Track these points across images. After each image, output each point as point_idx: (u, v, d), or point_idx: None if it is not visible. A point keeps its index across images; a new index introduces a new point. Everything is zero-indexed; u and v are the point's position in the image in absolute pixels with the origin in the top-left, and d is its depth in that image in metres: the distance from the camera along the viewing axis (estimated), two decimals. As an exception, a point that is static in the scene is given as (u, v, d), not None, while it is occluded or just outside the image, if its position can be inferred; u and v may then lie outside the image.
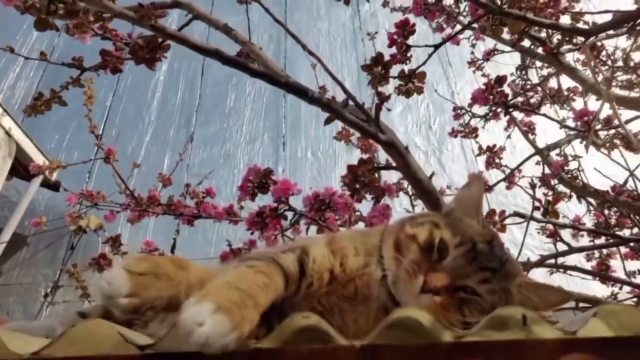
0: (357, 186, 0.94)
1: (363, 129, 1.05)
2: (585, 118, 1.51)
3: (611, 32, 1.70)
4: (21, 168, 4.10)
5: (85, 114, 1.89)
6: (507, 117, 2.79)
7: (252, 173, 1.27)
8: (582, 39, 1.45)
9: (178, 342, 0.39)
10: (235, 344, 0.40)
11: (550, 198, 1.66)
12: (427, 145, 5.12)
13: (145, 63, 1.25)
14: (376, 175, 0.98)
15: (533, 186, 1.52)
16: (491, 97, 1.49)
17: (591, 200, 2.32)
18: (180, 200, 2.13)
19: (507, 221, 1.50)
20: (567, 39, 1.61)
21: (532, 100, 2.83)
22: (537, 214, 1.68)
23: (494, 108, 1.70)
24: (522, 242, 1.43)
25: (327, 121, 1.12)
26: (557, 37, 1.67)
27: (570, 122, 2.74)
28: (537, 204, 1.58)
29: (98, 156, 2.43)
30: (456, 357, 0.40)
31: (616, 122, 2.55)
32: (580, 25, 2.37)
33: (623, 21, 1.31)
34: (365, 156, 1.09)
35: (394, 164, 1.10)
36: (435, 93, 4.85)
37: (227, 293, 0.43)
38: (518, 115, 2.85)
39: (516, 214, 1.58)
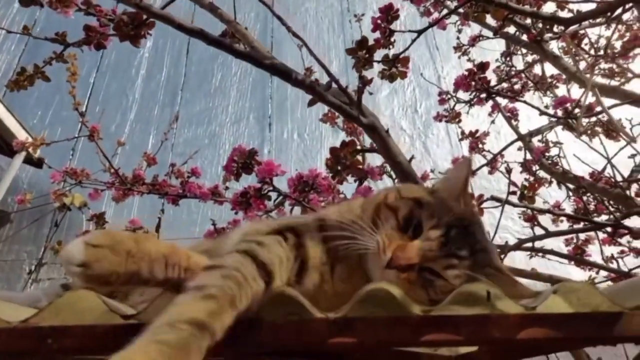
0: (339, 168, 0.96)
1: (345, 111, 1.06)
2: (566, 105, 1.55)
3: (592, 20, 1.73)
4: (3, 144, 4.02)
5: (69, 90, 1.86)
6: (492, 102, 2.83)
7: (237, 153, 1.28)
8: (562, 27, 1.47)
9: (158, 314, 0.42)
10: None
11: (526, 183, 1.70)
12: (412, 129, 5.16)
13: (130, 40, 1.24)
14: (359, 157, 1.00)
15: (509, 171, 1.56)
16: (473, 83, 1.51)
17: (570, 186, 2.39)
18: (166, 179, 2.13)
19: (485, 205, 1.54)
20: (547, 27, 1.63)
21: (516, 87, 2.86)
22: (515, 199, 1.72)
23: (477, 94, 1.72)
24: (497, 224, 1.48)
25: (311, 103, 1.13)
26: (539, 25, 1.68)
27: (552, 110, 2.80)
28: (513, 188, 1.62)
29: (82, 134, 2.40)
30: (425, 330, 0.43)
31: (598, 109, 2.60)
32: (565, 13, 2.40)
33: (603, 11, 1.34)
34: (348, 139, 1.11)
35: (375, 147, 1.13)
36: (421, 77, 4.87)
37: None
38: (502, 101, 2.89)
39: (493, 198, 1.63)
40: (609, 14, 1.29)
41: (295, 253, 0.61)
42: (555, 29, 1.70)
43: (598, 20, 1.74)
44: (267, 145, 5.08)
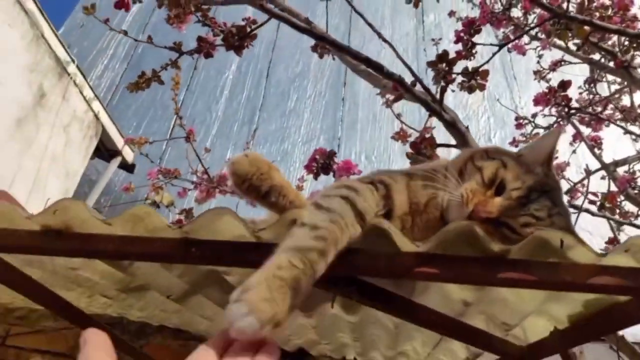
0: (420, 160, 1.04)
1: (430, 106, 1.14)
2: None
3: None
4: (104, 149, 4.52)
5: (172, 97, 2.11)
6: (574, 131, 2.74)
7: (318, 153, 1.40)
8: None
9: (279, 233, 0.52)
10: (267, 333, 0.46)
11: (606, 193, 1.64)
12: (485, 158, 5.06)
13: (234, 49, 1.42)
14: (436, 152, 1.07)
15: (588, 172, 1.51)
16: (553, 99, 1.53)
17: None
18: (246, 182, 2.30)
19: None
20: (634, 45, 1.61)
21: (601, 116, 2.76)
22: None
23: (556, 116, 1.71)
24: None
25: (396, 98, 1.23)
26: (624, 45, 1.66)
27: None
28: (593, 198, 1.57)
29: (176, 136, 2.67)
30: (501, 268, 0.49)
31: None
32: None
33: (697, 29, 1.31)
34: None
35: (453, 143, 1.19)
36: (496, 106, 4.80)
37: (264, 292, 0.47)
38: (585, 130, 2.79)
39: (571, 206, 1.59)
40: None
41: (384, 202, 0.69)
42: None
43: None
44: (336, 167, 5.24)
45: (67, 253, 0.57)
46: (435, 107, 1.12)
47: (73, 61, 3.59)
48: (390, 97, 1.30)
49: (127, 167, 4.85)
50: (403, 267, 0.50)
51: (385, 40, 1.37)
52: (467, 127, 1.18)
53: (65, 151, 3.60)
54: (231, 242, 0.56)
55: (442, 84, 1.11)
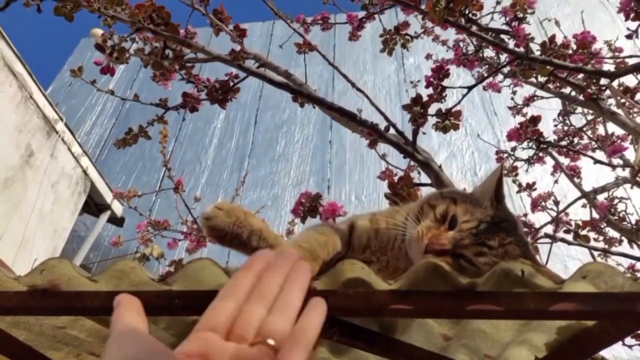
0: (397, 200, 1.08)
1: (402, 148, 1.20)
2: (619, 154, 1.57)
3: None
4: (92, 204, 4.52)
5: (160, 150, 2.16)
6: (553, 162, 2.84)
7: (304, 197, 1.43)
8: (608, 80, 1.55)
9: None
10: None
11: (580, 223, 1.69)
12: (472, 192, 5.14)
13: (219, 102, 1.49)
14: (416, 190, 1.11)
15: (557, 203, 1.57)
16: (525, 135, 1.60)
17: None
18: (236, 230, 2.31)
19: (540, 242, 1.55)
20: (594, 80, 1.71)
21: (578, 147, 2.86)
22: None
23: (530, 147, 1.79)
24: (547, 258, 1.48)
25: (372, 143, 1.28)
26: (584, 80, 1.76)
27: (619, 169, 2.75)
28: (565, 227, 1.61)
29: (165, 188, 2.70)
30: (470, 301, 0.52)
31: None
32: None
33: (649, 64, 1.41)
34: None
35: (429, 182, 1.23)
36: (479, 141, 4.94)
37: (293, 250, 0.61)
38: (564, 160, 2.88)
39: (546, 235, 1.63)
40: (654, 66, 1.36)
41: (350, 238, 0.79)
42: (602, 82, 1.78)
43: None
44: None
45: (53, 312, 0.59)
46: (407, 149, 1.18)
47: (61, 119, 3.66)
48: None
49: (116, 221, 4.84)
50: (379, 305, 0.52)
51: (359, 90, 1.45)
52: (440, 167, 1.23)
53: (54, 209, 3.60)
54: (214, 291, 0.58)
55: (414, 127, 1.17)
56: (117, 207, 4.63)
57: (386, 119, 1.27)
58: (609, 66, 2.63)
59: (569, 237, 1.83)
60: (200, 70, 1.80)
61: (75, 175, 3.88)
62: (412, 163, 1.71)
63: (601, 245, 2.49)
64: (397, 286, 0.53)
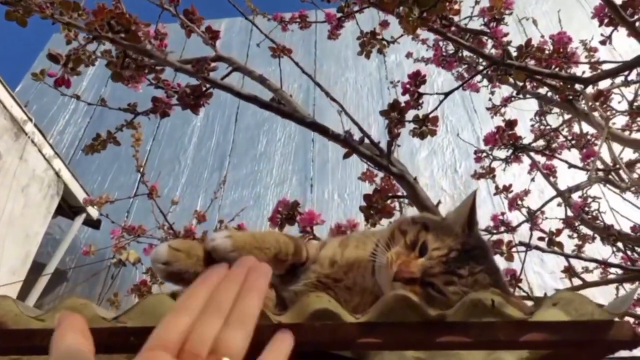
0: (372, 212, 1.06)
1: (376, 161, 1.18)
2: (592, 159, 1.59)
3: (612, 80, 1.81)
4: (66, 207, 4.40)
5: (133, 154, 2.10)
6: (530, 161, 2.87)
7: (282, 205, 1.40)
8: (582, 86, 1.56)
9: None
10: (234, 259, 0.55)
11: (554, 230, 1.71)
12: (453, 189, 5.18)
13: (191, 108, 1.44)
14: (392, 203, 1.10)
15: (531, 214, 1.58)
16: (502, 140, 1.60)
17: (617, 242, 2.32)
18: (213, 234, 2.27)
19: (516, 250, 1.56)
20: (568, 86, 1.72)
21: (554, 145, 2.90)
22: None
23: (508, 150, 1.80)
24: (521, 269, 1.49)
25: (346, 155, 1.26)
26: (568, 86, 1.78)
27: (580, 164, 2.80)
28: (542, 235, 1.63)
29: (139, 194, 2.63)
30: (439, 333, 0.50)
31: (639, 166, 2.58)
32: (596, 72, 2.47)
33: (622, 69, 1.42)
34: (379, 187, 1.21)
35: (404, 194, 1.22)
36: (459, 139, 4.98)
37: (243, 234, 0.66)
38: (541, 159, 2.92)
39: (521, 244, 1.64)
40: (627, 72, 1.37)
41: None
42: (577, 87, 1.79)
43: (618, 79, 1.82)
44: (309, 206, 5.23)
45: (1, 351, 0.55)
46: (382, 162, 1.16)
47: (30, 120, 3.54)
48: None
49: (92, 223, 4.72)
50: (346, 339, 0.50)
51: (333, 100, 1.42)
52: (415, 179, 1.21)
53: (24, 213, 3.48)
54: (172, 326, 0.55)
55: (388, 139, 1.16)
56: (93, 210, 4.52)
57: (361, 129, 1.24)
58: (584, 67, 2.67)
59: (543, 244, 1.84)
60: (175, 76, 1.75)
61: (47, 177, 3.77)
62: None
63: (575, 241, 2.53)
64: (366, 319, 0.51)
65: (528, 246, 1.58)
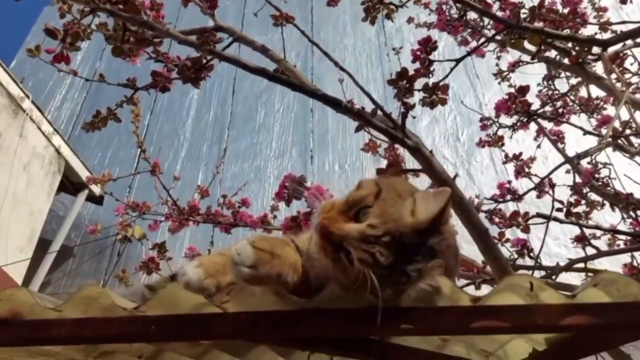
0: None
1: (391, 134, 1.13)
2: (608, 124, 1.54)
3: (632, 41, 1.74)
4: (68, 183, 4.38)
5: (133, 130, 2.06)
6: (536, 127, 2.81)
7: (288, 180, 1.37)
8: (601, 49, 1.50)
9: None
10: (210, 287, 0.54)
11: (572, 200, 1.68)
12: (455, 157, 5.13)
13: (191, 82, 1.39)
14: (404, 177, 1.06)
15: (552, 186, 1.55)
16: (514, 106, 1.55)
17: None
18: (218, 210, 2.26)
19: (532, 221, 1.54)
20: (585, 49, 1.65)
21: (560, 110, 2.84)
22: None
23: (519, 118, 1.75)
24: (542, 242, 1.47)
25: (358, 129, 1.22)
26: (576, 48, 1.71)
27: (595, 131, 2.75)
28: (559, 205, 1.60)
29: (140, 170, 2.60)
30: (474, 318, 0.48)
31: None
32: (608, 35, 2.39)
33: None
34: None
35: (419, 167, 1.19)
36: (462, 105, 4.89)
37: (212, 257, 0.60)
38: (548, 125, 2.86)
39: (539, 215, 1.62)
40: (647, 33, 1.31)
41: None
42: (595, 50, 1.72)
43: (638, 40, 1.75)
44: (310, 177, 5.20)
45: (15, 343, 0.53)
46: (397, 134, 1.12)
47: (27, 97, 3.46)
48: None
49: (95, 199, 4.71)
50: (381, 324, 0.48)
51: (342, 69, 1.36)
52: (430, 152, 1.17)
53: (28, 190, 3.46)
54: (192, 315, 0.53)
55: (403, 110, 1.11)
56: (95, 185, 4.49)
57: (373, 101, 1.19)
58: (593, 28, 2.57)
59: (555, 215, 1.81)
60: (170, 46, 1.68)
61: (47, 154, 3.72)
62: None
63: (583, 208, 2.51)
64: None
65: (547, 218, 1.55)
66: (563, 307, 0.47)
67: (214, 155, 5.52)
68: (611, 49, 2.19)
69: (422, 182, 1.61)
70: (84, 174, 4.36)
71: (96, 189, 4.57)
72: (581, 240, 1.75)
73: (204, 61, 1.37)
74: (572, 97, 2.85)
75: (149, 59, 1.31)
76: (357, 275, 0.57)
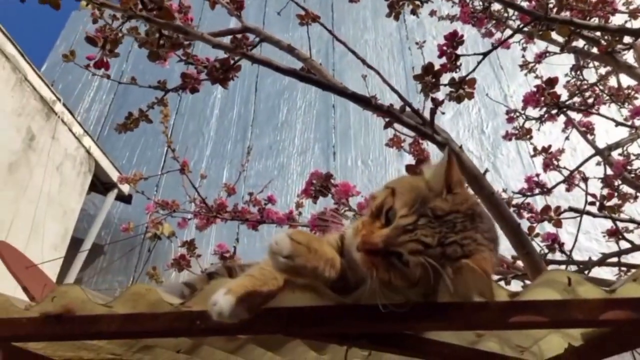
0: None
1: (420, 131, 1.14)
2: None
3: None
4: (99, 183, 4.51)
5: (162, 130, 2.11)
6: (565, 118, 2.75)
7: (315, 177, 1.39)
8: (633, 38, 1.46)
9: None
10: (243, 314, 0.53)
11: (605, 193, 1.64)
12: (480, 150, 5.05)
13: (220, 82, 1.42)
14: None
15: (585, 179, 1.52)
16: (542, 98, 1.52)
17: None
18: (245, 207, 2.29)
19: (564, 215, 1.52)
20: (617, 38, 1.61)
21: (589, 100, 2.76)
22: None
23: (547, 110, 1.71)
24: (576, 237, 1.44)
25: (387, 125, 1.22)
26: (607, 37, 1.66)
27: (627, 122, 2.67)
28: (591, 199, 1.57)
29: (167, 169, 2.67)
30: (512, 314, 0.48)
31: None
32: (639, 22, 2.32)
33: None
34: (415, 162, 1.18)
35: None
36: (486, 97, 4.80)
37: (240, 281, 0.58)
38: (576, 116, 2.79)
39: (571, 209, 1.59)
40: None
41: None
42: (626, 40, 1.67)
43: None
44: (333, 174, 5.22)
45: (69, 337, 0.56)
46: (426, 130, 1.12)
47: (59, 100, 3.58)
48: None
49: (124, 198, 4.84)
50: (414, 320, 0.49)
51: (370, 67, 1.36)
52: (460, 147, 1.17)
53: (61, 191, 3.59)
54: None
55: (432, 106, 1.11)
56: (124, 186, 4.62)
57: (402, 98, 1.20)
58: (622, 16, 2.49)
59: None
60: (195, 46, 1.71)
61: (78, 155, 3.85)
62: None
63: (615, 201, 2.45)
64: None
65: (580, 212, 1.53)
66: (602, 302, 0.48)
67: (238, 153, 5.59)
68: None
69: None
70: (113, 173, 4.49)
71: (125, 189, 4.70)
72: (614, 234, 1.71)
73: (232, 62, 1.40)
74: (601, 87, 2.77)
75: (180, 61, 1.34)
76: (416, 269, 0.59)
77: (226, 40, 1.33)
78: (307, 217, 1.92)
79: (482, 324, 0.50)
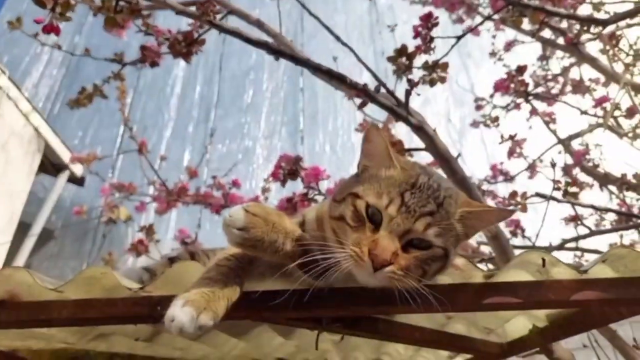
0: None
1: (395, 112, 1.11)
2: (604, 105, 1.54)
3: (629, 21, 1.73)
4: (49, 164, 4.25)
5: (118, 108, 1.99)
6: (529, 108, 2.82)
7: (284, 160, 1.34)
8: (600, 28, 1.49)
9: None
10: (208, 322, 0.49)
11: (569, 180, 1.70)
12: (447, 138, 5.13)
13: (182, 56, 1.33)
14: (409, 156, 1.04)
15: (553, 165, 1.56)
16: (512, 85, 1.53)
17: (613, 189, 2.34)
18: (208, 191, 2.22)
19: (530, 201, 1.56)
20: (585, 28, 1.64)
21: (553, 91, 2.84)
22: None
23: (515, 98, 1.74)
24: (542, 221, 1.48)
25: (361, 105, 1.19)
26: (576, 28, 1.70)
27: (590, 112, 2.77)
28: (556, 185, 1.61)
29: (127, 150, 2.54)
30: (487, 294, 0.46)
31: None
32: (601, 14, 2.38)
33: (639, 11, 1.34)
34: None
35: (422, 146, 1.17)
36: (454, 85, 4.85)
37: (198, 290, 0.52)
38: (540, 106, 2.87)
39: (537, 195, 1.63)
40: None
41: None
42: (592, 30, 1.71)
43: (635, 20, 1.74)
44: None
45: (14, 325, 0.50)
46: (401, 112, 1.09)
47: (4, 72, 3.32)
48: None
49: (76, 180, 4.58)
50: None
51: (345, 44, 1.32)
52: (434, 130, 1.15)
53: (6, 171, 3.35)
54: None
55: (407, 87, 1.08)
56: (77, 167, 4.37)
57: (377, 78, 1.16)
58: (587, 6, 2.56)
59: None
60: (155, 18, 1.60)
61: (26, 134, 3.60)
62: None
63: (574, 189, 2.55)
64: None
65: (546, 197, 1.56)
66: (574, 283, 0.47)
67: (200, 135, 5.41)
68: (607, 30, 2.19)
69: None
70: (64, 154, 4.23)
71: (78, 170, 4.44)
72: (574, 219, 1.77)
73: (195, 35, 1.32)
74: (563, 79, 2.85)
75: (139, 32, 1.25)
76: (437, 240, 0.58)
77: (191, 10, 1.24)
78: (274, 203, 1.87)
79: (461, 306, 0.48)
